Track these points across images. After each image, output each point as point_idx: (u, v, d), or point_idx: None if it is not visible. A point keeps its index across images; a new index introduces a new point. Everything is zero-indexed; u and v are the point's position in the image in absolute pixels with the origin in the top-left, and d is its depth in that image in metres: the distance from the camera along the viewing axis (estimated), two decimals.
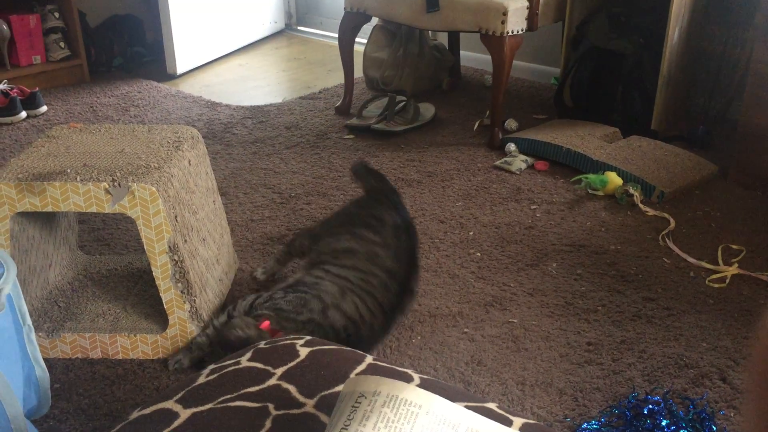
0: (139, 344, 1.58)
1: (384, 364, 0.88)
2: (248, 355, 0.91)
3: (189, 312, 1.55)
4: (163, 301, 1.54)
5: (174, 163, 1.56)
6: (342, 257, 1.65)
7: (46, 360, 1.50)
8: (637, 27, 2.69)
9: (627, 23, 2.72)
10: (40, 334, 1.58)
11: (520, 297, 1.82)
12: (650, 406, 1.44)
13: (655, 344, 1.64)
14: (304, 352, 0.90)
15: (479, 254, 2.00)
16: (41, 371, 1.35)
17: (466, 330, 1.69)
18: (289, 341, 0.94)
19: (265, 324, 1.51)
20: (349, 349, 0.93)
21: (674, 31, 2.57)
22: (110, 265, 1.85)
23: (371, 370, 0.86)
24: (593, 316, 1.74)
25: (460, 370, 1.57)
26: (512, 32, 2.56)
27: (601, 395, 1.49)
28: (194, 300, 1.56)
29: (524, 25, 2.61)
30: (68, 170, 1.49)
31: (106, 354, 1.60)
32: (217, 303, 1.71)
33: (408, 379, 0.85)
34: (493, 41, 2.57)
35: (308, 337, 0.96)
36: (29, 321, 1.32)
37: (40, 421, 1.41)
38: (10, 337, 1.19)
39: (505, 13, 2.51)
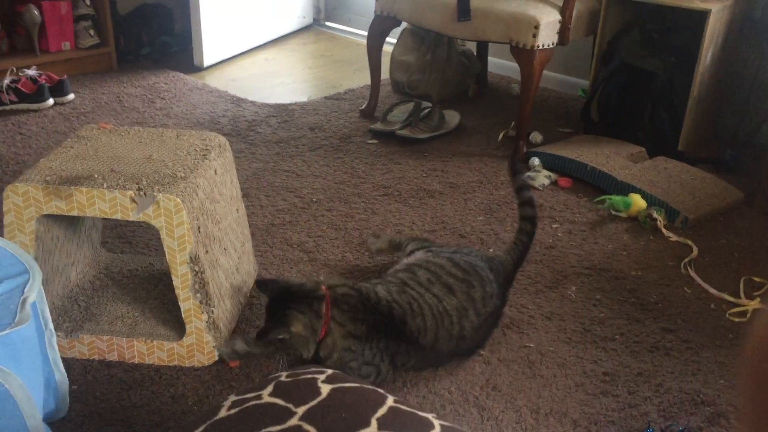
0: (156, 350, 1.59)
1: (405, 408, 0.88)
2: (269, 389, 0.91)
3: (206, 322, 1.56)
4: (182, 310, 1.55)
5: (200, 172, 1.56)
6: (436, 286, 1.63)
7: (63, 360, 1.51)
8: (669, 45, 2.66)
9: (660, 41, 2.68)
10: (59, 333, 1.59)
11: (538, 320, 1.81)
12: None
13: (672, 378, 1.63)
14: (325, 389, 0.90)
15: None
16: (60, 376, 1.37)
17: (482, 352, 1.69)
18: (310, 375, 0.94)
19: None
20: (370, 387, 0.93)
21: (707, 53, 2.54)
22: (131, 265, 1.86)
23: (392, 413, 0.86)
24: (611, 344, 1.73)
25: (474, 394, 1.56)
26: (543, 46, 2.54)
27: (615, 429, 1.48)
28: (212, 311, 1.56)
29: (555, 39, 2.58)
30: (95, 175, 1.50)
31: (122, 357, 1.61)
32: (236, 312, 1.71)
33: (429, 426, 0.84)
34: (523, 54, 2.55)
35: (329, 372, 0.96)
36: (51, 326, 1.33)
37: (58, 423, 1.43)
38: (32, 345, 1.20)
39: (536, 27, 2.49)
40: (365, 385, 0.94)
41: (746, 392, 0.49)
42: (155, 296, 1.75)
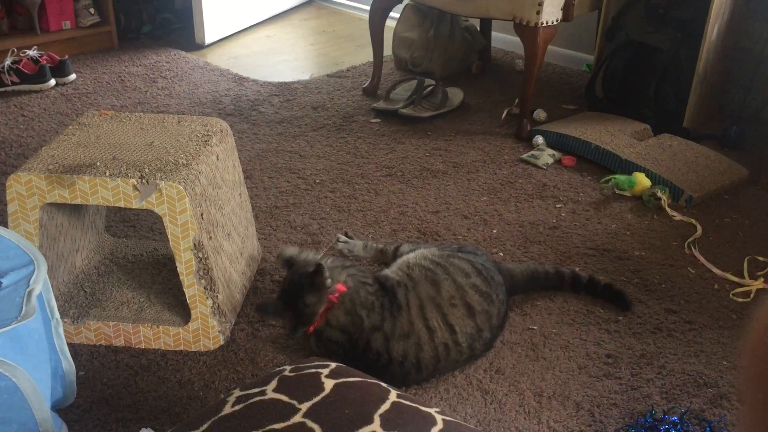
0: (162, 335, 1.61)
1: (407, 403, 0.89)
2: (273, 384, 0.92)
3: (211, 308, 1.57)
4: (186, 296, 1.56)
5: (202, 159, 1.56)
6: (457, 309, 1.57)
7: (70, 346, 1.53)
8: (675, 20, 2.63)
9: (665, 16, 2.65)
10: (66, 320, 1.60)
11: (542, 302, 1.81)
12: (666, 427, 1.44)
13: (674, 360, 1.64)
14: (329, 384, 0.91)
15: (502, 254, 2.00)
16: (67, 364, 1.38)
17: None
18: (314, 370, 0.95)
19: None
20: (373, 381, 0.94)
21: (714, 28, 2.51)
22: (136, 250, 1.87)
23: (395, 409, 0.87)
24: (614, 326, 1.74)
25: (477, 377, 1.57)
26: (547, 23, 2.51)
27: (618, 412, 1.50)
28: (217, 296, 1.57)
29: (559, 15, 2.55)
30: (98, 163, 1.50)
31: (129, 343, 1.62)
32: (240, 297, 1.72)
33: (431, 422, 0.85)
34: (526, 31, 2.53)
35: (333, 366, 0.97)
36: (57, 315, 1.34)
37: (66, 410, 1.44)
38: (39, 337, 1.21)
39: (540, 3, 2.46)
40: (368, 380, 0.95)
41: (749, 377, 0.49)
42: (160, 281, 1.76)
